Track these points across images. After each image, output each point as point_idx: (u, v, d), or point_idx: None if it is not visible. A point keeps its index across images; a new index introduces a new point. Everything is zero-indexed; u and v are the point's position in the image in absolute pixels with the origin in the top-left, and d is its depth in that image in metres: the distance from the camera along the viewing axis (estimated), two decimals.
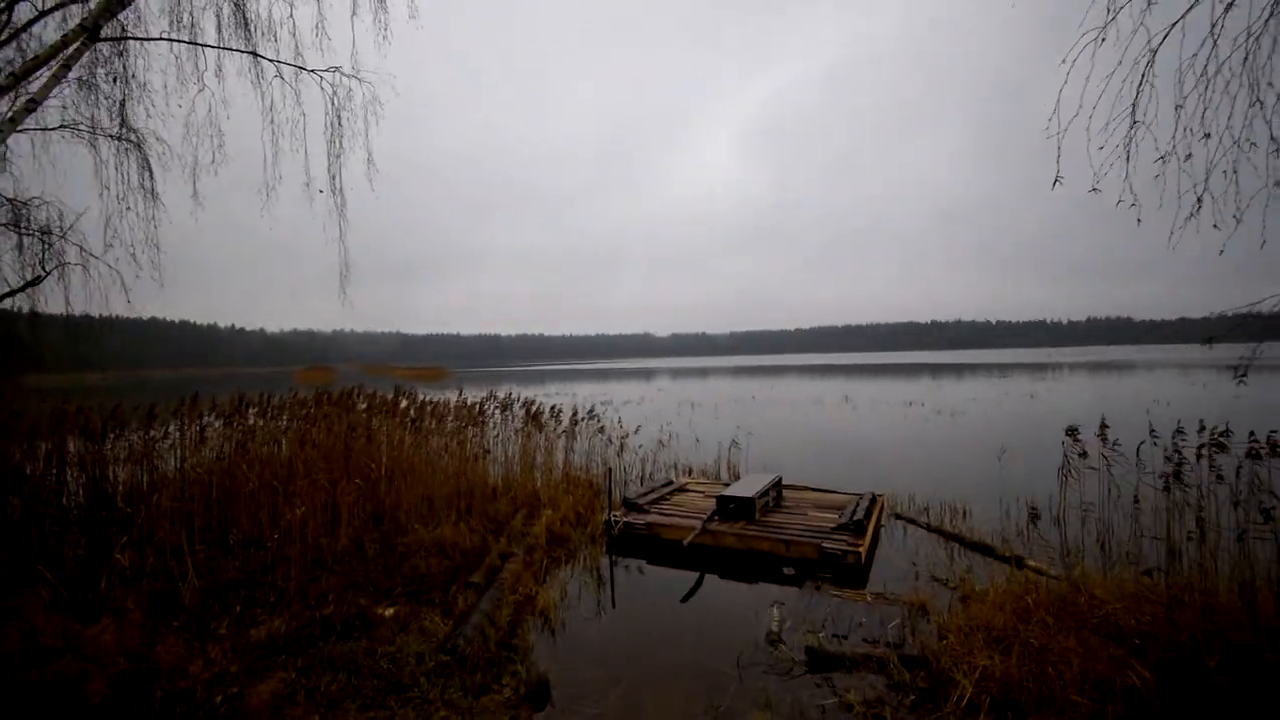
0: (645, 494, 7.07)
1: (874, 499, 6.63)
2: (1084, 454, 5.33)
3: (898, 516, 6.97)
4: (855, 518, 5.79)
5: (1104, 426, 5.23)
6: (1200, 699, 2.77)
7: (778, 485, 6.96)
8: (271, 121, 5.76)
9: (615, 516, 6.33)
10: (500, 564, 5.08)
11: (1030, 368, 49.05)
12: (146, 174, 5.92)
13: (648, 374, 59.35)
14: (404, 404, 8.23)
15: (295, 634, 3.84)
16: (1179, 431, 4.81)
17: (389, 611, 4.23)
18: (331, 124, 5.82)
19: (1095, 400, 20.79)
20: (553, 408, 9.35)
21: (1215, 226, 2.19)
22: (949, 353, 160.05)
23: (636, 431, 10.06)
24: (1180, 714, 2.78)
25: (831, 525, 5.83)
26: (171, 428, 6.49)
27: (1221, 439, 4.04)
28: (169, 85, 5.62)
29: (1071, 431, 5.74)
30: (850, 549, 5.21)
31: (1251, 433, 4.23)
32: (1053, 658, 3.23)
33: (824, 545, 5.29)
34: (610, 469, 7.19)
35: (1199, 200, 2.16)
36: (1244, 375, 2.82)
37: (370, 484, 6.35)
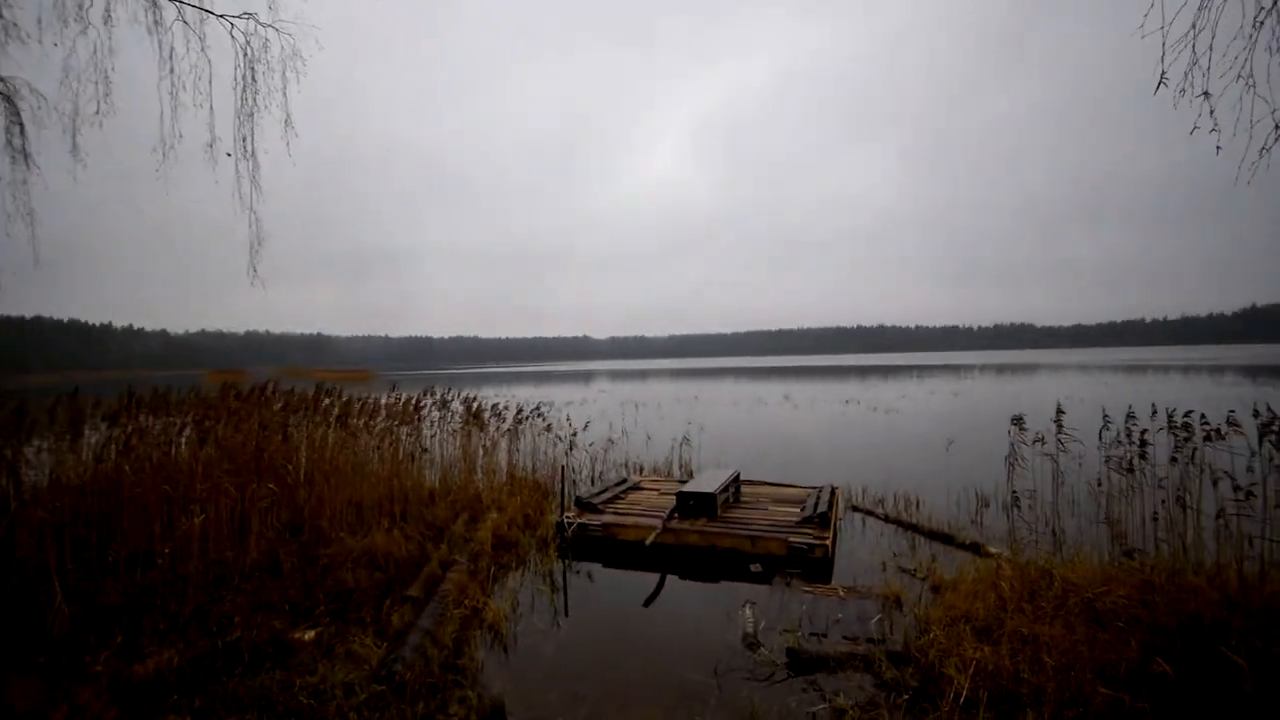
0: (599, 493, 6.66)
1: (833, 491, 6.51)
2: (1041, 440, 5.38)
3: (854, 508, 6.88)
4: (819, 510, 5.61)
5: (1060, 412, 5.29)
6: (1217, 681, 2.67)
7: (736, 480, 6.73)
8: (171, 71, 4.97)
9: (568, 518, 5.88)
10: (441, 574, 4.54)
11: (950, 369, 51.99)
12: (16, 130, 5.01)
13: (587, 376, 58.67)
14: (327, 401, 7.44)
15: (191, 667, 3.20)
16: (1131, 417, 4.91)
17: (309, 635, 3.62)
18: (244, 78, 5.10)
19: (1014, 396, 22.11)
20: (494, 406, 8.78)
21: None
22: (876, 355, 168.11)
23: (586, 428, 9.62)
24: (1204, 699, 2.66)
25: (795, 519, 5.63)
26: (47, 432, 5.51)
27: (1187, 421, 4.08)
28: (44, 21, 4.75)
29: (1017, 420, 5.82)
30: (817, 542, 5.02)
31: (1203, 415, 4.33)
32: (1044, 647, 3.10)
33: (791, 540, 5.07)
34: (563, 467, 6.73)
35: (1278, 127, 2.03)
36: None
37: (287, 489, 5.61)
